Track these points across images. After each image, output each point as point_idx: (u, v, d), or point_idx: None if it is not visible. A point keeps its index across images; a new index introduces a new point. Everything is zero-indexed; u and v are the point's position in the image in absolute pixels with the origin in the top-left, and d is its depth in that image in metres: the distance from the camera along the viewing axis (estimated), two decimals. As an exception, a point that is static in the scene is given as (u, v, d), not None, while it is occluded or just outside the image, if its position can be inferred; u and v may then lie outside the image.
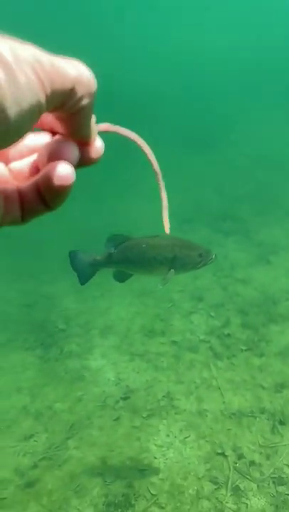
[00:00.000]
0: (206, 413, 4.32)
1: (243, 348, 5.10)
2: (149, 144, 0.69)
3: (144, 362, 5.09)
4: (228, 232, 7.95)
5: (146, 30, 29.80)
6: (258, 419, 4.20)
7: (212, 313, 5.76)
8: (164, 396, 4.58)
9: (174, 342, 5.34)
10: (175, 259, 2.89)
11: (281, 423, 4.14)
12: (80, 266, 3.15)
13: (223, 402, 4.42)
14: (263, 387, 4.55)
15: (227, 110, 15.62)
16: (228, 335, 5.32)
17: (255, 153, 11.89)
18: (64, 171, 0.51)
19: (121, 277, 3.16)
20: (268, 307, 5.76)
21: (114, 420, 4.36)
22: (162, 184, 0.69)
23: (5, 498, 3.76)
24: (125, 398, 4.61)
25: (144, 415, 4.37)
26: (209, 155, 12.69)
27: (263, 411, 4.28)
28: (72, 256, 3.17)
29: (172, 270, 2.92)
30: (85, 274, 3.15)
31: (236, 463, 3.80)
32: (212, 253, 2.90)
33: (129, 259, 3.00)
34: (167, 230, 0.76)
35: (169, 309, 5.99)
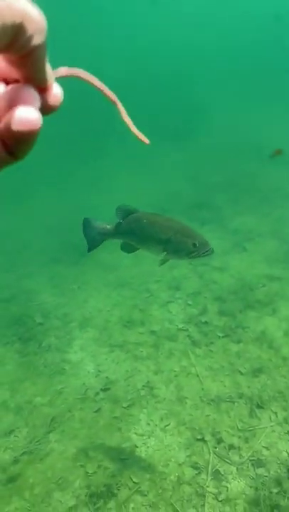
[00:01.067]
0: (186, 400, 4.38)
1: (221, 335, 5.17)
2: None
3: (124, 352, 5.11)
4: (203, 220, 8.00)
5: (121, 18, 29.37)
6: (236, 404, 4.28)
7: (189, 302, 5.82)
8: (144, 386, 4.61)
9: (153, 332, 5.37)
10: (169, 242, 2.82)
11: (258, 407, 4.22)
12: (90, 233, 3.15)
13: (202, 389, 4.48)
14: (241, 373, 4.63)
15: (202, 100, 15.60)
16: (206, 322, 5.39)
17: (230, 142, 11.96)
18: (25, 115, 0.49)
19: (128, 249, 3.17)
20: (245, 294, 5.85)
21: (95, 412, 4.38)
22: (122, 109, 0.67)
23: (-13, 495, 3.74)
24: (105, 389, 4.63)
25: (125, 405, 4.40)
26: (184, 144, 12.71)
27: (240, 396, 4.36)
28: (86, 223, 3.16)
29: (165, 253, 2.88)
30: (93, 241, 3.17)
31: (216, 447, 3.87)
32: (209, 246, 2.77)
33: (133, 232, 2.99)
34: (146, 141, 0.73)
35: (146, 299, 6.02)
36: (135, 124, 0.69)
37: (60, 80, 0.58)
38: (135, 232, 2.98)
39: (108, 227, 3.09)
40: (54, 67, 0.57)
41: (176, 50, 21.97)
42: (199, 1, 31.83)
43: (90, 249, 3.21)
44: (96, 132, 14.87)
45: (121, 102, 0.67)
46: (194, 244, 2.74)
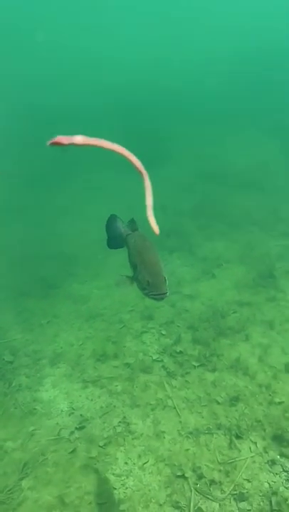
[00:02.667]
0: (164, 435, 4.26)
1: (196, 364, 5.11)
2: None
3: (98, 388, 4.95)
4: (172, 248, 8.03)
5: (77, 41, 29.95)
6: (215, 435, 4.20)
7: (163, 332, 5.75)
8: (120, 422, 4.47)
9: (127, 364, 5.26)
10: (134, 268, 2.70)
11: (238, 437, 4.15)
12: (112, 232, 3.00)
13: (180, 422, 4.38)
14: (218, 402, 4.57)
15: (168, 127, 15.97)
16: (180, 352, 5.32)
17: (197, 170, 12.19)
18: None
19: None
20: (217, 321, 5.84)
21: (70, 453, 4.18)
22: (148, 184, 0.64)
23: None
24: (80, 428, 4.45)
25: (101, 444, 4.23)
26: (151, 172, 12.84)
27: (219, 427, 4.28)
28: (112, 219, 3.01)
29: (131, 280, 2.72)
30: (115, 241, 3.00)
31: (197, 484, 3.76)
32: (161, 290, 2.51)
33: (127, 246, 2.89)
34: (156, 231, 0.71)
35: (119, 331, 5.91)
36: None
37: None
38: (128, 247, 2.88)
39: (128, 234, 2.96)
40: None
41: (138, 78, 22.54)
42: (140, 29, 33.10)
43: (110, 247, 3.04)
44: (61, 160, 14.84)
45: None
46: (148, 282, 2.53)
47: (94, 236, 7.99)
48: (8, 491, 3.88)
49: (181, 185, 11.34)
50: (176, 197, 10.45)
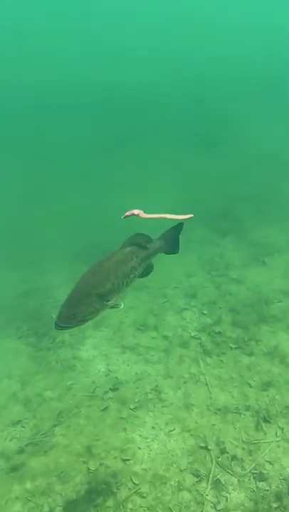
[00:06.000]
0: (193, 407, 4.39)
1: (233, 346, 5.16)
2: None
3: (135, 355, 5.15)
4: (225, 231, 8.00)
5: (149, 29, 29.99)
6: (242, 415, 4.27)
7: (204, 311, 5.82)
8: (152, 389, 4.64)
9: (166, 337, 5.40)
10: None
11: (265, 421, 4.20)
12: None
13: (210, 398, 4.49)
14: (250, 385, 4.61)
15: (231, 110, 15.69)
16: (219, 333, 5.39)
17: (257, 154, 11.94)
18: None
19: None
20: (261, 307, 5.82)
21: (102, 410, 4.43)
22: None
23: (-10, 481, 3.83)
24: (114, 389, 4.68)
25: (132, 407, 4.44)
26: (211, 155, 12.73)
27: (248, 408, 4.34)
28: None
29: None
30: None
31: (219, 457, 3.87)
32: (57, 321, 2.37)
33: None
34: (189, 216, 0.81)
35: (162, 305, 6.05)
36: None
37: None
38: None
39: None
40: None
41: (206, 64, 22.40)
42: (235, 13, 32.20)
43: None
44: (124, 134, 15.06)
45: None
46: (74, 314, 2.41)
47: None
48: (43, 434, 4.20)
49: (239, 168, 11.17)
50: (232, 180, 10.34)
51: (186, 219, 3.01)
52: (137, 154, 13.19)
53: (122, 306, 2.65)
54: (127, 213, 2.85)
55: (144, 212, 2.89)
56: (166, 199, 9.43)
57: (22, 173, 12.07)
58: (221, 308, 5.86)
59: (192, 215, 3.01)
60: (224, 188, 9.75)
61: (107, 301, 2.53)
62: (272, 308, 5.83)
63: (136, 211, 2.82)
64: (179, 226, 3.15)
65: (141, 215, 2.84)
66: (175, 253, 3.22)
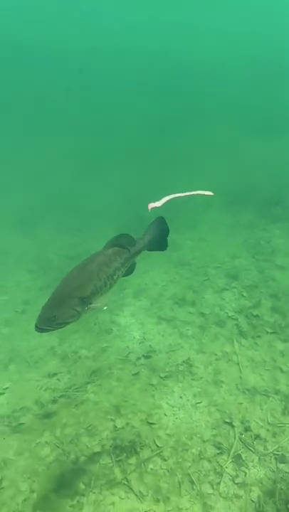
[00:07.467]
0: (222, 384, 4.45)
1: (269, 330, 5.14)
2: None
3: (171, 327, 5.25)
4: (274, 218, 7.84)
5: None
6: (271, 398, 4.29)
7: (244, 293, 5.81)
8: (183, 361, 4.74)
9: (202, 314, 5.45)
10: None
11: (293, 407, 4.20)
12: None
13: (240, 377, 4.53)
14: (282, 371, 4.61)
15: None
16: (257, 316, 5.37)
17: None
18: None
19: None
20: (302, 296, 5.73)
21: (133, 375, 4.58)
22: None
23: (23, 424, 4.10)
24: (147, 357, 4.82)
25: (162, 375, 4.56)
26: (269, 140, 12.40)
27: (277, 392, 4.35)
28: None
29: None
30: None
31: (242, 434, 3.93)
32: (37, 321, 2.37)
33: None
34: (210, 193, 0.86)
35: (202, 283, 6.08)
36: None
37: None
38: None
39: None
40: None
41: (269, 55, 21.95)
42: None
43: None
44: (182, 113, 14.92)
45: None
46: (54, 317, 2.41)
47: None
48: (75, 389, 4.42)
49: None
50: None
51: (205, 195, 2.99)
52: (196, 134, 13.08)
53: (106, 308, 2.63)
54: (150, 206, 2.90)
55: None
56: (220, 180, 9.33)
57: (81, 145, 12.31)
58: (261, 292, 5.82)
59: (212, 193, 2.97)
60: (279, 175, 9.50)
61: (90, 304, 2.54)
62: (315, 299, 5.72)
63: (158, 203, 2.87)
64: (161, 221, 3.08)
65: (159, 204, 2.89)
66: (162, 250, 3.16)
